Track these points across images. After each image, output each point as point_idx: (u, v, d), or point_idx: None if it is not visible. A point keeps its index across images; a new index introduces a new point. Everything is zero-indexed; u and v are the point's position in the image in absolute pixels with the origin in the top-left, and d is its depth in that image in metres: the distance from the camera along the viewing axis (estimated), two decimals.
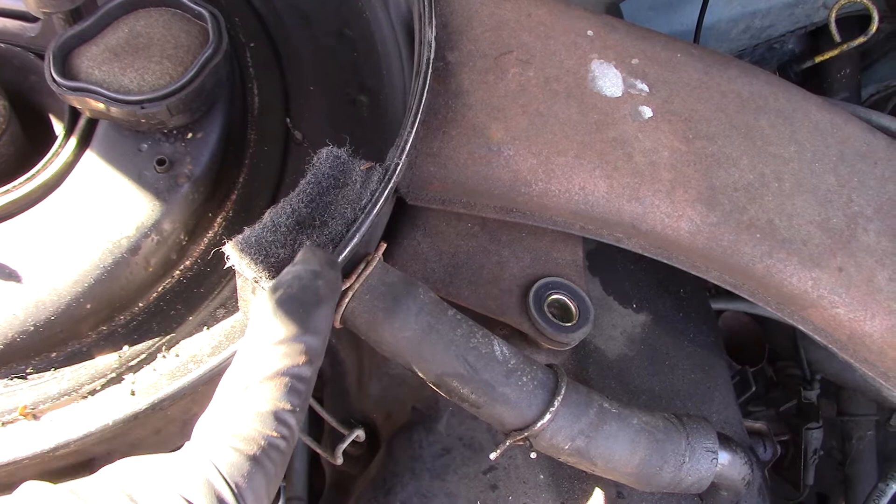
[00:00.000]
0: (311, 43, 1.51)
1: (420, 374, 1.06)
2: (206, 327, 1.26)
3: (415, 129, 1.15)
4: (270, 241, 1.05)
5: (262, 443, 0.82)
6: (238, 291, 1.11)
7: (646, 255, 1.29)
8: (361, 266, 1.08)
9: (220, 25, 1.21)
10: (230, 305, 1.28)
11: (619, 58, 1.34)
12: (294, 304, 0.90)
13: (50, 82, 1.19)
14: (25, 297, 1.18)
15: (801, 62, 2.34)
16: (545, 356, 1.33)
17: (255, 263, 1.03)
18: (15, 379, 1.20)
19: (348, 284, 1.04)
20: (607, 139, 1.28)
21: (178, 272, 1.29)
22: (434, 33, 1.22)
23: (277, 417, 0.84)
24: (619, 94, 1.32)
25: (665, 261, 1.29)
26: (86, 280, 1.20)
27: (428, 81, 1.19)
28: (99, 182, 1.25)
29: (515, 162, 1.25)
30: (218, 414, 0.85)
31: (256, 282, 1.04)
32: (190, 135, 1.27)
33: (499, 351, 1.07)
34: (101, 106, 1.19)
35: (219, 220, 1.32)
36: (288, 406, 0.85)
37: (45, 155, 1.31)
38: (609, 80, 1.32)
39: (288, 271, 0.95)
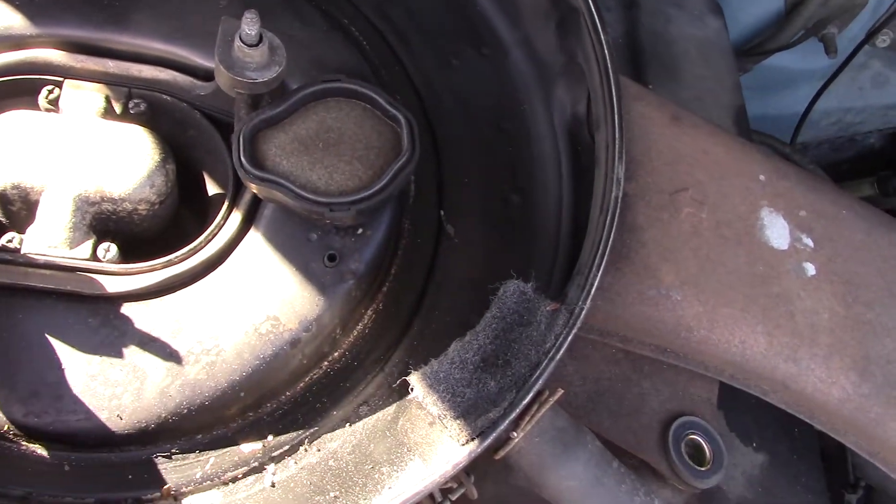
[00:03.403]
0: (468, 131, 1.49)
1: None
2: (348, 423, 1.25)
3: (600, 272, 1.14)
4: (458, 378, 1.05)
5: None
6: (409, 413, 1.11)
7: (787, 410, 1.30)
8: (535, 407, 1.08)
9: (413, 133, 1.20)
10: (373, 403, 1.28)
11: (788, 208, 1.34)
12: None
13: (238, 166, 1.17)
14: (182, 380, 1.17)
15: None
16: (670, 492, 1.34)
17: (442, 401, 1.03)
18: (160, 458, 1.19)
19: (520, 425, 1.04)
20: (771, 294, 1.28)
21: (326, 363, 1.28)
22: (623, 169, 1.22)
23: None
24: (786, 247, 1.32)
25: (805, 418, 1.30)
26: (244, 369, 1.19)
27: (616, 220, 1.18)
28: (264, 267, 1.23)
29: (682, 307, 1.25)
30: None
31: (440, 419, 1.04)
32: (360, 230, 1.25)
33: None
34: (285, 199, 1.17)
35: (369, 312, 1.31)
36: None
37: (204, 223, 1.30)
38: (777, 231, 1.32)
39: None
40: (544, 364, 1.09)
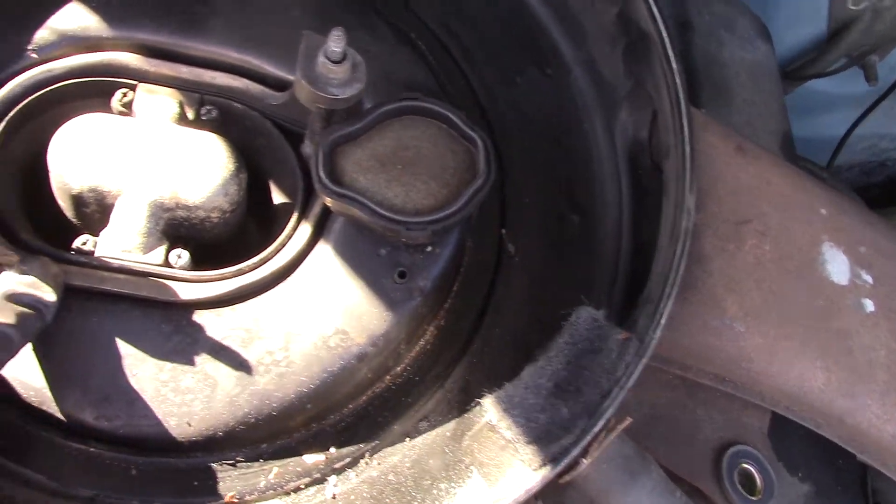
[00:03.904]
0: (530, 149, 1.50)
1: None
2: (408, 438, 1.27)
3: (671, 302, 1.16)
4: (532, 403, 1.06)
5: None
6: (478, 435, 1.12)
7: (839, 443, 1.32)
8: (602, 434, 1.10)
9: (489, 155, 1.21)
10: (433, 419, 1.29)
11: (849, 243, 1.36)
12: None
13: (317, 181, 1.18)
14: (252, 389, 1.19)
15: None
16: None
17: (517, 426, 1.04)
18: (225, 465, 1.20)
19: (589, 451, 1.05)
20: (831, 329, 1.29)
21: (389, 377, 1.29)
22: (694, 199, 1.23)
23: None
24: (846, 283, 1.33)
25: (856, 452, 1.31)
26: (313, 381, 1.20)
27: (686, 251, 1.19)
28: (333, 280, 1.24)
29: (744, 339, 1.26)
30: None
31: (513, 443, 1.05)
32: (429, 248, 1.26)
33: None
34: (362, 215, 1.18)
35: (431, 328, 1.33)
36: None
37: (268, 232, 1.31)
38: (837, 266, 1.34)
39: None
40: (615, 392, 1.10)
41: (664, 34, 1.32)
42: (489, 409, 1.07)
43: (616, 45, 1.46)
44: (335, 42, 1.12)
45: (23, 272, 1.10)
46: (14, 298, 1.07)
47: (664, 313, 1.15)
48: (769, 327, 1.27)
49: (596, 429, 1.08)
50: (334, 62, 1.15)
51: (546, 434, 1.07)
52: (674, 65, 1.30)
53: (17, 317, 1.05)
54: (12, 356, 1.05)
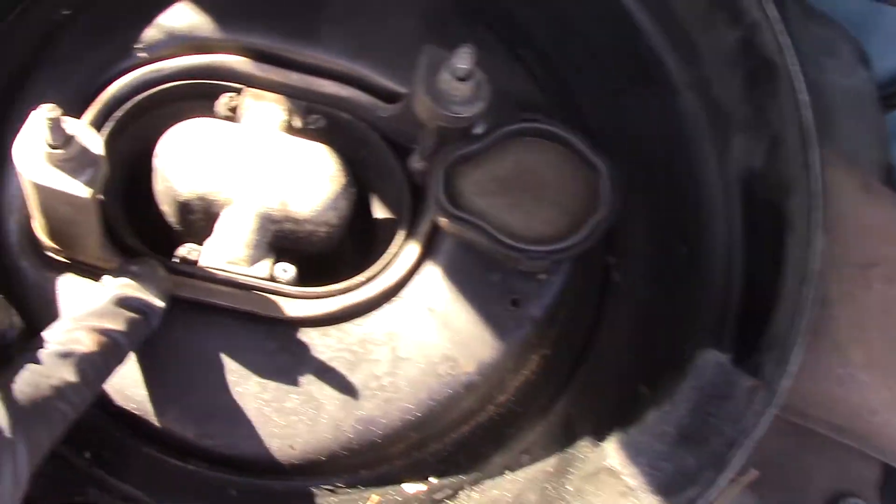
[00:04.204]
0: (635, 171, 1.44)
1: None
2: (509, 471, 1.22)
3: (801, 350, 1.10)
4: (657, 451, 1.01)
5: None
6: (592, 478, 1.08)
7: None
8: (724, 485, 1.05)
9: (614, 183, 1.15)
10: (534, 452, 1.24)
11: None
12: None
13: (435, 202, 1.14)
14: (357, 415, 1.15)
15: None
16: None
17: (641, 474, 0.99)
18: (324, 490, 1.17)
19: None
20: None
21: (492, 407, 1.25)
22: (825, 241, 1.17)
23: None
24: None
25: None
26: (419, 409, 1.16)
27: (817, 296, 1.14)
28: (443, 304, 1.20)
29: (868, 389, 1.20)
30: None
31: (635, 491, 1.00)
32: (543, 276, 1.21)
33: None
34: (480, 240, 1.13)
35: (536, 357, 1.28)
36: None
37: (367, 246, 1.28)
38: None
39: None
40: (743, 443, 1.05)
41: (792, 65, 1.26)
42: (612, 453, 1.02)
43: (735, 69, 1.40)
44: (463, 59, 1.08)
45: (133, 275, 1.06)
46: (124, 303, 1.03)
47: (794, 361, 1.09)
48: (895, 380, 1.21)
49: (723, 481, 1.02)
50: (459, 79, 1.10)
51: (671, 484, 1.03)
52: (802, 96, 1.25)
53: (126, 323, 1.02)
54: (122, 363, 1.02)
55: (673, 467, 1.02)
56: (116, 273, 1.08)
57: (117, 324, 1.00)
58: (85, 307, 1.00)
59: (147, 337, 1.06)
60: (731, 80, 1.40)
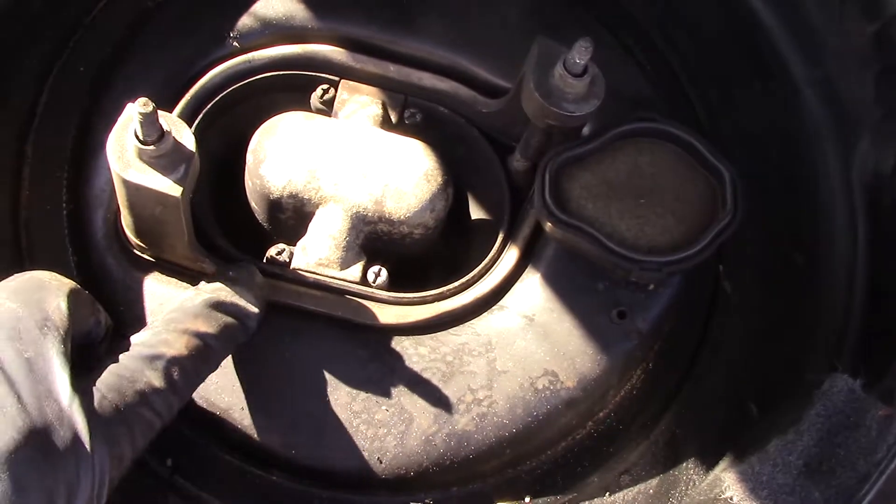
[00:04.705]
0: (749, 173, 1.32)
1: None
2: (607, 493, 1.15)
3: None
4: (780, 484, 0.93)
5: None
6: None
7: None
8: None
9: (738, 190, 1.06)
10: (635, 473, 1.17)
11: None
12: None
13: (540, 206, 1.06)
14: (450, 429, 1.09)
15: None
16: None
17: None
18: None
19: None
20: None
21: (591, 423, 1.18)
22: None
23: None
24: None
25: None
26: (515, 426, 1.10)
27: None
28: (544, 314, 1.12)
29: None
30: None
31: None
32: (651, 287, 1.13)
33: None
34: (588, 248, 1.05)
35: (639, 371, 1.19)
36: None
37: (461, 248, 1.21)
38: None
39: None
40: (874, 477, 0.95)
41: None
42: (732, 484, 0.94)
43: (866, 67, 1.28)
44: (580, 53, 0.99)
45: (230, 281, 1.01)
46: (220, 307, 0.98)
47: None
48: None
49: None
50: (574, 75, 1.02)
51: None
52: None
53: (220, 326, 0.96)
54: (213, 369, 0.96)
55: (797, 502, 0.93)
56: (213, 278, 1.03)
57: (210, 327, 0.95)
58: (177, 309, 0.95)
59: (242, 344, 1.01)
60: (861, 79, 1.29)
